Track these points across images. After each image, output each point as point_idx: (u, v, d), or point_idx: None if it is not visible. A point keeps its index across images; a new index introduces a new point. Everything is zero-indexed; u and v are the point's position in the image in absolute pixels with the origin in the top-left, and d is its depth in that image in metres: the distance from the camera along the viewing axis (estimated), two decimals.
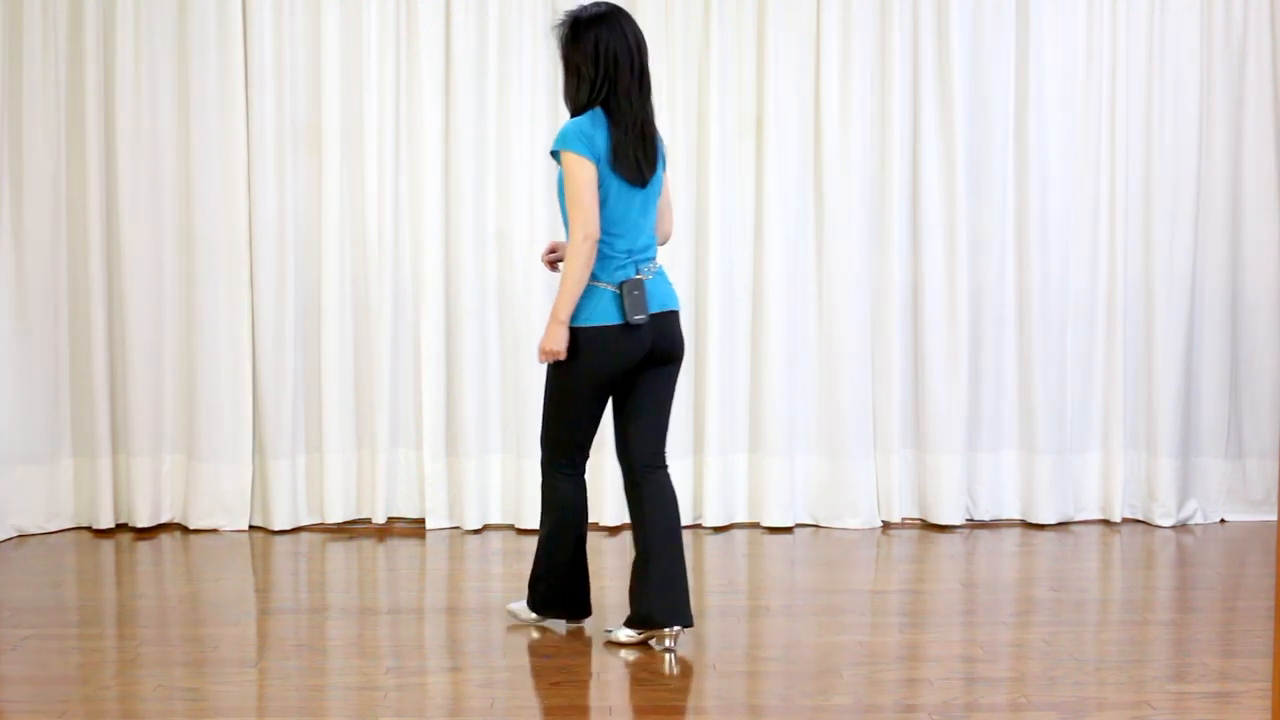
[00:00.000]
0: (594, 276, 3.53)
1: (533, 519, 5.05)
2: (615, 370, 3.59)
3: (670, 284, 3.68)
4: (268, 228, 5.04)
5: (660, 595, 3.60)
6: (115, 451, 5.08)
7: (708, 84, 5.11)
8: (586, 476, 3.83)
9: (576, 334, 3.54)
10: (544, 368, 3.79)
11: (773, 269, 5.13)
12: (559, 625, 3.88)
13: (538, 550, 3.81)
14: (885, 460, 5.21)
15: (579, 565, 3.81)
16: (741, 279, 5.18)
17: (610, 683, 3.41)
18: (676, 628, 3.62)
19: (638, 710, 3.22)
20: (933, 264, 5.17)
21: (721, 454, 5.16)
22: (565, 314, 3.50)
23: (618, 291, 3.53)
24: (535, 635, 3.81)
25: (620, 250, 3.55)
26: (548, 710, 3.23)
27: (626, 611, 3.75)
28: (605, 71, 3.50)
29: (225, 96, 5.03)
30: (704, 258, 5.15)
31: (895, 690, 3.33)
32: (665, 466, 3.76)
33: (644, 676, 3.46)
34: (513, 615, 3.95)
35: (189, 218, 5.07)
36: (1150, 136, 5.20)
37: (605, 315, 3.53)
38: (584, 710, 3.21)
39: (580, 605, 3.85)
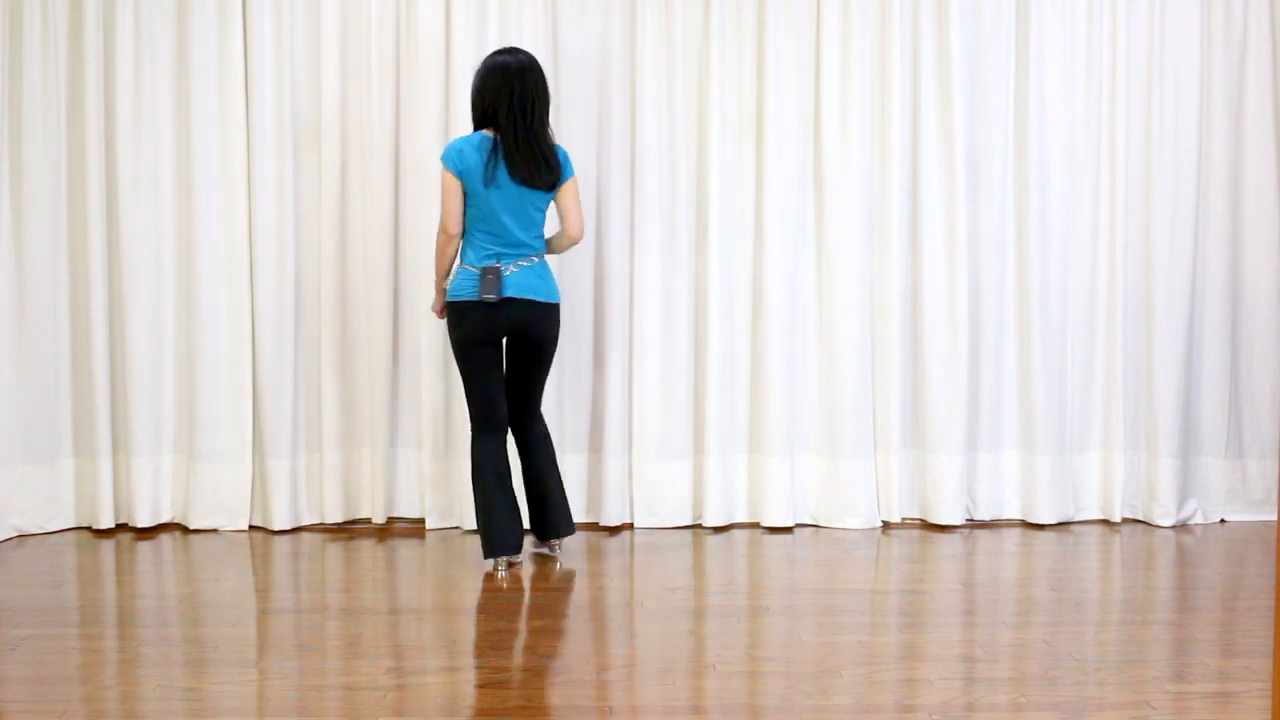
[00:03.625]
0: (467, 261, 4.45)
1: None
2: (479, 337, 4.41)
3: (541, 279, 4.45)
4: (268, 228, 5.04)
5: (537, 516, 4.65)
6: (115, 451, 5.08)
7: (708, 84, 5.11)
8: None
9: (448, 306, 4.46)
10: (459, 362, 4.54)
11: (773, 269, 5.14)
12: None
13: (480, 500, 4.49)
14: (885, 460, 5.22)
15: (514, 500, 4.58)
16: (741, 279, 5.18)
17: (610, 683, 3.41)
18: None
19: (638, 710, 3.22)
20: (933, 264, 5.17)
21: (721, 454, 5.16)
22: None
23: (478, 273, 4.40)
24: (535, 635, 3.81)
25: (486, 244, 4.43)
26: (548, 710, 3.23)
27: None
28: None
29: (225, 96, 5.03)
30: (704, 258, 5.15)
31: (895, 690, 3.34)
32: (538, 420, 4.64)
33: (644, 676, 3.46)
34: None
35: (189, 218, 5.07)
36: (1150, 136, 5.20)
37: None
38: (584, 710, 3.22)
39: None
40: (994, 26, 5.16)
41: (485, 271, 4.36)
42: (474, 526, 5.06)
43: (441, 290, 4.52)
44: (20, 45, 4.95)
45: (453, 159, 4.37)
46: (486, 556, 4.48)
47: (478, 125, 4.44)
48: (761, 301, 5.16)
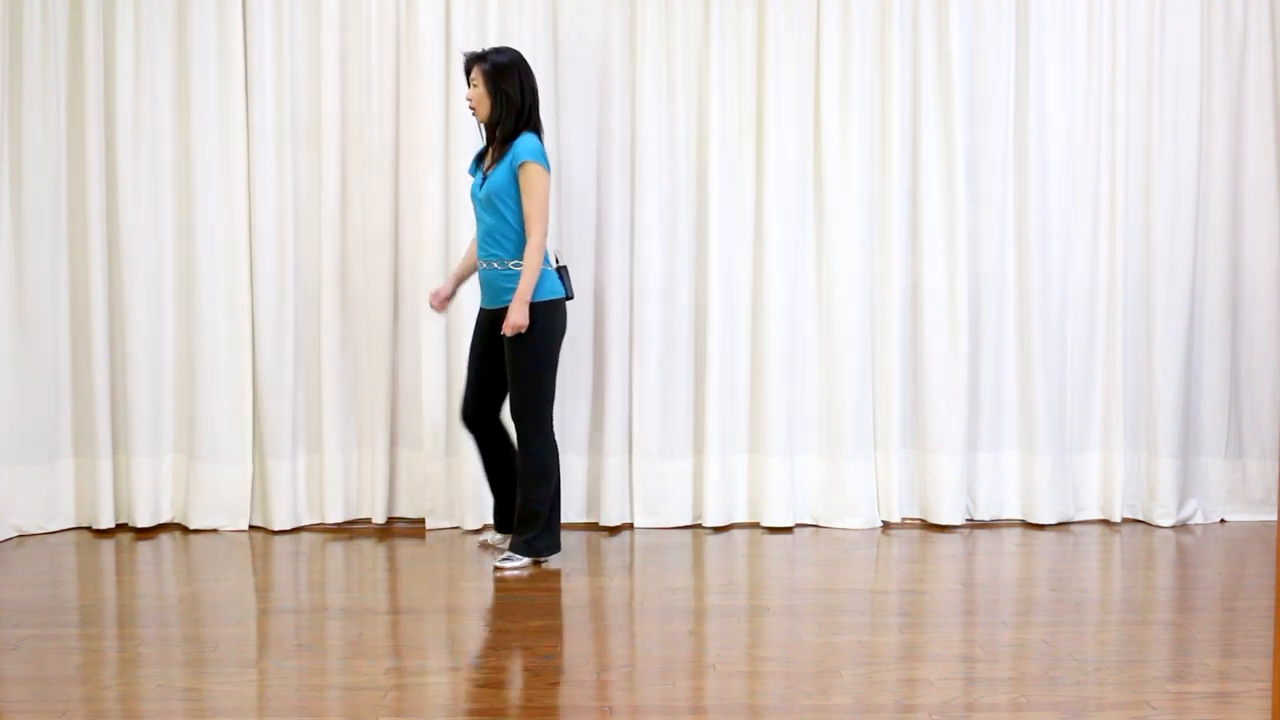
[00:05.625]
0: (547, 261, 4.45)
1: None
2: (565, 332, 4.55)
3: None
4: (268, 228, 5.04)
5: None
6: (115, 451, 5.08)
7: (708, 84, 5.11)
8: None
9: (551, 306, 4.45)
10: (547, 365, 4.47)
11: (773, 269, 5.14)
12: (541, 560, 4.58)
13: (550, 501, 4.51)
14: (885, 460, 5.22)
15: None
16: (741, 279, 5.18)
17: (610, 682, 3.41)
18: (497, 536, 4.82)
19: (637, 710, 3.22)
20: (933, 264, 5.17)
21: (721, 454, 5.16)
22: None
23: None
24: (535, 635, 3.81)
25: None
26: (548, 710, 3.23)
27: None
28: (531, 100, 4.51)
29: (225, 96, 5.03)
30: (704, 258, 5.15)
31: (895, 690, 3.34)
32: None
33: (644, 676, 3.46)
34: (506, 570, 4.50)
35: (189, 218, 5.07)
36: (1150, 136, 5.20)
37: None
38: (584, 710, 3.22)
39: None
40: (994, 27, 5.16)
41: (561, 271, 4.49)
42: (475, 527, 5.07)
43: (528, 302, 4.36)
44: (20, 45, 4.95)
45: (546, 159, 4.41)
46: (555, 551, 4.59)
47: (525, 124, 4.43)
48: (761, 301, 5.16)
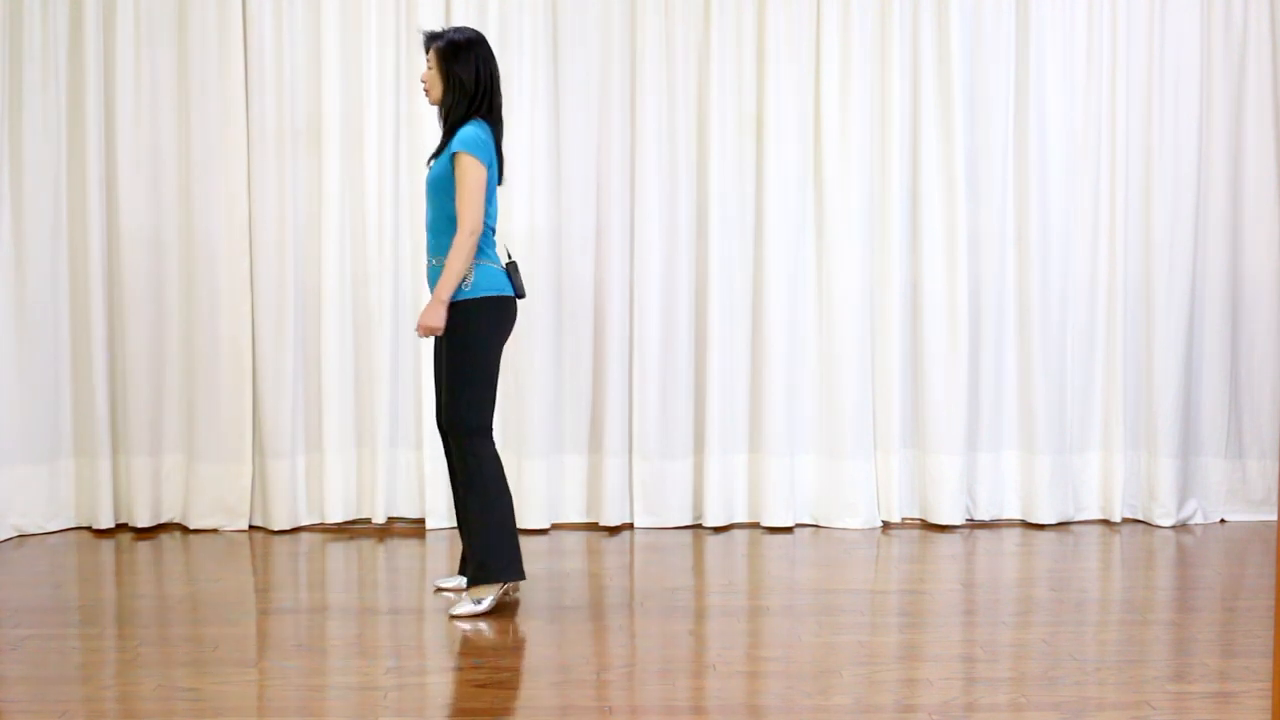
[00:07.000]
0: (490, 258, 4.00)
1: (535, 518, 5.07)
2: (508, 335, 4.04)
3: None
4: (268, 228, 5.04)
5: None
6: (115, 451, 5.09)
7: (708, 84, 5.12)
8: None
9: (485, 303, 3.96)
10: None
11: (773, 269, 5.14)
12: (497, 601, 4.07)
13: (497, 522, 3.97)
14: (885, 460, 5.22)
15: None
16: (741, 279, 5.18)
17: (610, 682, 3.41)
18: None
19: (637, 710, 3.22)
20: (933, 264, 5.17)
21: (721, 454, 5.16)
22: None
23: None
24: (535, 635, 3.81)
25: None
26: (548, 710, 3.23)
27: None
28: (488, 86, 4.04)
29: (225, 96, 5.03)
30: (704, 258, 5.15)
31: (895, 690, 3.34)
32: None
33: (644, 676, 3.46)
34: (463, 619, 3.98)
35: (189, 218, 5.07)
36: (1150, 136, 5.20)
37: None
38: (584, 710, 3.21)
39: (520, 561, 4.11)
40: (994, 27, 5.16)
41: (510, 268, 4.06)
42: None
43: (445, 303, 3.90)
44: (20, 45, 4.95)
45: (484, 151, 3.92)
46: (513, 578, 4.04)
47: (473, 110, 3.98)
48: (761, 301, 5.16)
